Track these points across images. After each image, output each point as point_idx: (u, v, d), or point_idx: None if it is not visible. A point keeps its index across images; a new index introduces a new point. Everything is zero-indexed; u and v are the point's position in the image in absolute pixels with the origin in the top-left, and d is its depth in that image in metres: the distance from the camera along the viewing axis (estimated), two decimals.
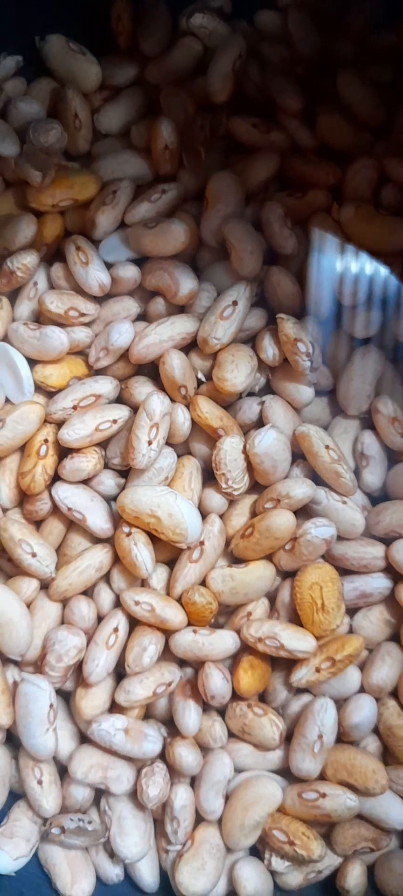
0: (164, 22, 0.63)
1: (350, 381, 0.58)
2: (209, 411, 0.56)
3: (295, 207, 0.60)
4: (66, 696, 0.57)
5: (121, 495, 0.55)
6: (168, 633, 0.55)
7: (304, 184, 0.60)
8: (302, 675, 0.54)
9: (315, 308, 0.59)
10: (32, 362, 0.58)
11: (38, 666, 0.55)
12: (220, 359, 0.57)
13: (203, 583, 0.55)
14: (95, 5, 0.63)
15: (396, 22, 0.63)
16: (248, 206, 0.60)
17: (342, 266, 0.58)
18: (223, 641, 0.54)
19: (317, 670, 0.53)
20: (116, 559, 0.56)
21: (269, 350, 0.57)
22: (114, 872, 0.56)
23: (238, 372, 0.56)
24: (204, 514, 0.56)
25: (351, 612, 0.57)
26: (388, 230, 0.58)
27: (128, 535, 0.54)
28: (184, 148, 0.60)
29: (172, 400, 0.56)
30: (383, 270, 0.58)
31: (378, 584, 0.56)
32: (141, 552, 0.54)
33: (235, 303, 0.56)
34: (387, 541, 0.56)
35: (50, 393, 0.58)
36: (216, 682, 0.53)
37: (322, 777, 0.54)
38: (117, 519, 0.56)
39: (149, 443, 0.54)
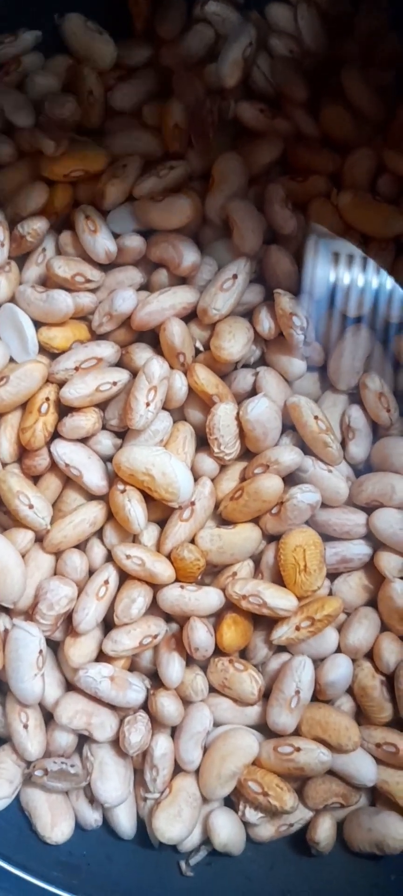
0: (179, 7, 0.66)
1: (341, 358, 0.61)
2: (205, 378, 0.58)
3: (296, 191, 0.62)
4: (55, 647, 0.59)
5: (118, 453, 0.57)
6: (157, 587, 0.57)
7: (306, 170, 0.63)
8: (282, 633, 0.56)
9: (310, 287, 0.61)
10: (38, 324, 0.60)
11: (30, 615, 0.57)
12: (218, 329, 0.59)
13: (192, 541, 0.58)
14: None
15: (399, 29, 0.65)
16: (252, 187, 0.63)
17: (338, 248, 0.61)
18: (208, 598, 0.56)
19: (297, 628, 0.56)
20: (110, 516, 0.58)
21: (265, 323, 0.59)
22: (92, 817, 0.57)
23: (235, 342, 0.58)
24: (196, 477, 0.59)
25: (332, 576, 0.59)
26: (383, 217, 0.60)
27: (123, 491, 0.57)
28: (192, 129, 0.63)
29: (171, 366, 0.59)
30: (376, 255, 0.60)
31: (359, 550, 0.58)
32: (134, 508, 0.56)
33: (235, 276, 0.59)
34: (369, 510, 0.58)
35: (53, 355, 0.60)
36: (200, 635, 0.55)
37: (297, 733, 0.56)
38: (113, 478, 0.58)
39: (147, 404, 0.56)
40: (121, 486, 0.57)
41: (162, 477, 0.56)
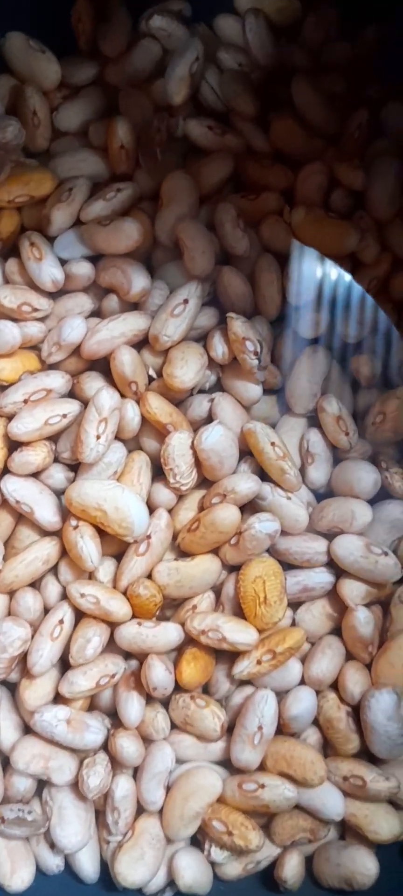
0: (124, 24, 0.64)
1: (298, 381, 0.59)
2: (158, 407, 0.57)
3: (248, 209, 0.61)
4: (11, 688, 0.57)
5: (69, 488, 0.55)
6: (113, 625, 0.55)
7: (257, 186, 0.61)
8: (243, 668, 0.54)
9: (264, 308, 0.60)
10: None
11: None
12: (171, 356, 0.57)
13: (149, 576, 0.56)
14: (56, 6, 0.64)
15: (349, 35, 0.64)
16: (203, 206, 0.61)
17: (292, 267, 0.59)
18: (167, 634, 0.55)
19: (259, 662, 0.54)
20: (64, 552, 0.57)
21: (219, 348, 0.58)
22: (54, 863, 0.56)
23: (187, 369, 0.57)
24: (152, 509, 0.57)
25: (295, 605, 0.58)
26: (337, 233, 0.59)
27: (76, 528, 0.55)
28: (140, 148, 0.61)
29: (123, 395, 0.57)
30: (331, 272, 0.59)
31: (321, 578, 0.57)
32: (87, 545, 0.54)
33: (186, 301, 0.57)
34: (330, 536, 0.57)
35: (2, 387, 0.58)
36: (158, 674, 0.53)
37: (262, 768, 0.55)
38: (66, 513, 0.57)
39: (98, 437, 0.55)
40: (73, 522, 0.55)
41: (114, 512, 0.54)
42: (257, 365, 0.56)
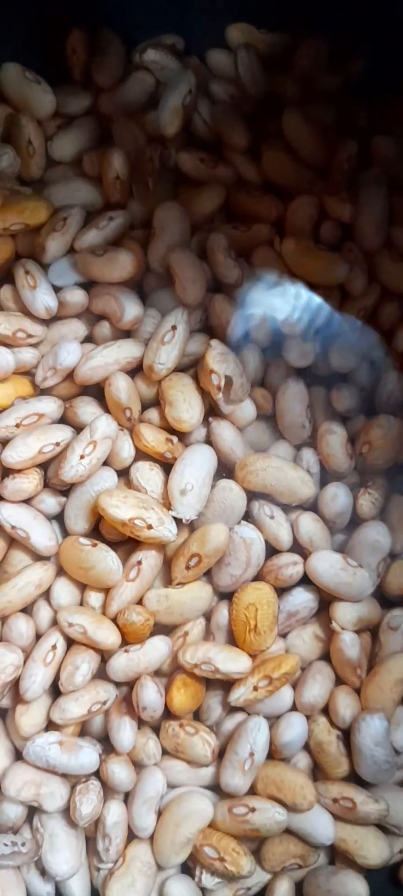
0: (118, 55, 0.65)
1: (287, 411, 0.60)
2: (154, 439, 0.57)
3: (240, 239, 0.61)
4: (2, 714, 0.57)
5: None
6: (103, 652, 0.56)
7: (248, 217, 0.62)
8: (240, 694, 0.55)
9: (256, 336, 0.60)
10: None
11: None
12: (171, 398, 0.58)
13: (139, 602, 0.56)
14: (52, 37, 0.65)
15: (339, 65, 0.65)
16: (194, 236, 0.62)
17: (282, 297, 0.60)
18: (156, 649, 0.55)
19: (255, 689, 0.54)
20: (57, 576, 0.57)
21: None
22: (44, 890, 0.55)
23: (192, 410, 0.58)
24: None
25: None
26: (326, 264, 0.60)
27: (95, 545, 0.56)
28: (133, 178, 0.62)
29: (117, 422, 0.58)
30: (320, 302, 0.60)
31: (302, 599, 0.57)
32: (112, 556, 0.56)
33: (174, 327, 0.58)
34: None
35: None
36: (149, 694, 0.54)
37: (252, 792, 0.55)
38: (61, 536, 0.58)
39: (82, 457, 0.55)
40: (85, 541, 0.56)
41: None
42: (221, 399, 0.57)
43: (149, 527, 0.54)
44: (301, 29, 0.65)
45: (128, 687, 0.56)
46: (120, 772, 0.54)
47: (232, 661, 0.54)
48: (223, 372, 0.57)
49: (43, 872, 0.55)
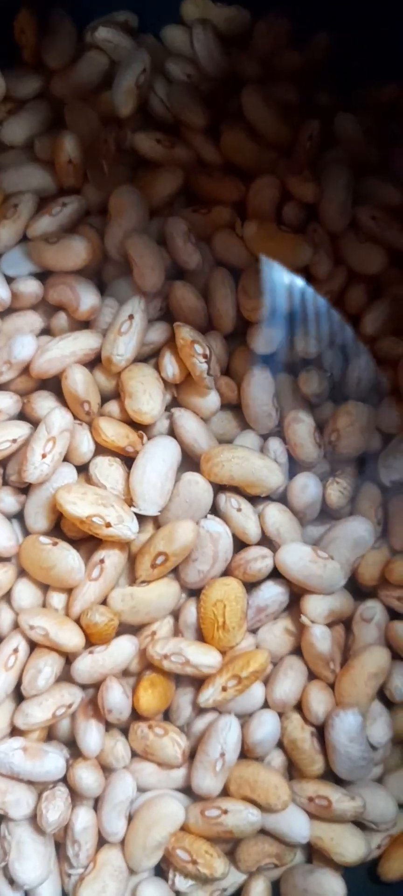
0: (69, 35, 0.63)
1: (252, 400, 0.58)
2: (114, 434, 0.55)
3: (200, 223, 0.59)
4: None
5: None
6: (68, 654, 0.54)
7: (208, 200, 0.60)
8: (209, 695, 0.53)
9: (219, 323, 0.59)
10: None
11: None
12: (131, 389, 0.56)
13: (103, 602, 0.54)
14: None
15: (300, 43, 0.63)
16: (153, 220, 0.60)
17: (245, 282, 0.58)
18: (121, 650, 0.53)
19: (224, 689, 0.53)
20: (18, 577, 0.55)
21: (169, 368, 0.57)
22: None
23: (153, 401, 0.55)
24: None
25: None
26: (290, 247, 0.58)
27: (55, 544, 0.54)
28: (88, 162, 0.60)
29: (75, 416, 0.56)
30: (286, 286, 0.58)
31: (271, 593, 0.56)
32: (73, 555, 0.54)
33: (131, 316, 0.56)
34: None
35: None
36: (115, 696, 0.52)
37: (225, 793, 0.54)
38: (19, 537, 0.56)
39: (43, 455, 0.53)
40: (46, 540, 0.54)
41: None
42: (206, 370, 0.55)
43: (108, 525, 0.52)
44: (260, 4, 0.63)
45: (95, 689, 0.55)
46: (87, 777, 0.53)
47: (203, 655, 0.53)
48: (205, 343, 0.55)
49: (11, 881, 0.54)
